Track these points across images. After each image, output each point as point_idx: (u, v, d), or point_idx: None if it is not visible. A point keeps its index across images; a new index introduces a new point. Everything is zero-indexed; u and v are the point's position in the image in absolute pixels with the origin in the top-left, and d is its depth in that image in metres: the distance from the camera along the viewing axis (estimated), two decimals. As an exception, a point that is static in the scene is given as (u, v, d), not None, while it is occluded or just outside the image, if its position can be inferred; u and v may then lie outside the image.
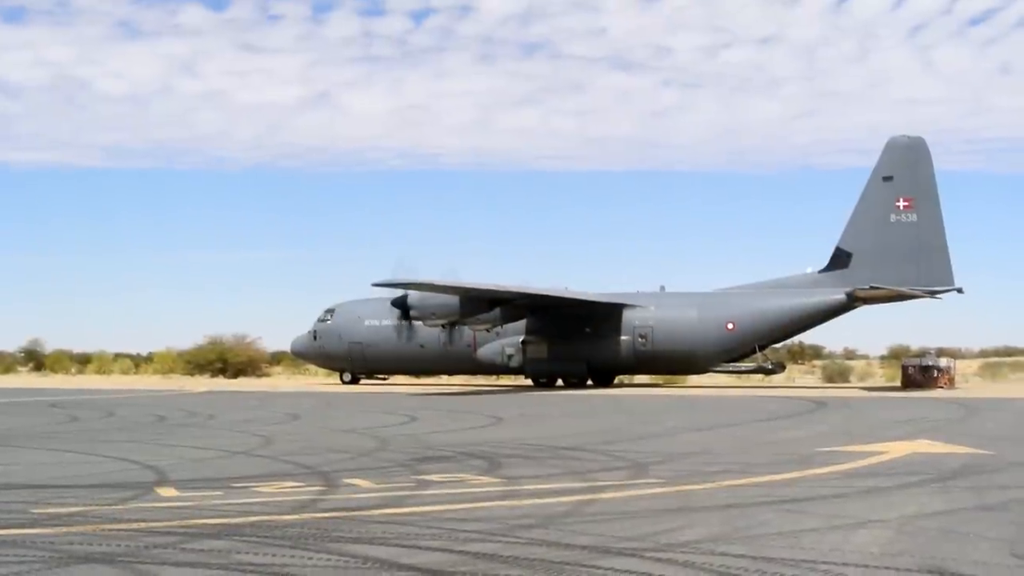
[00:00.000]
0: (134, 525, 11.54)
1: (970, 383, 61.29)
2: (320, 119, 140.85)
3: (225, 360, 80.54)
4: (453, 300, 54.87)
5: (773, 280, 58.87)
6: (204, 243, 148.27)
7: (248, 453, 20.30)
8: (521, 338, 57.71)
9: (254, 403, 40.76)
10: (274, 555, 9.87)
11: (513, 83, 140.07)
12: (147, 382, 72.17)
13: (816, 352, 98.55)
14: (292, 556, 9.82)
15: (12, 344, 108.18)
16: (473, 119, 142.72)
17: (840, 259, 55.69)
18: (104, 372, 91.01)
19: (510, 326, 57.20)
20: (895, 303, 56.14)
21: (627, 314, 57.16)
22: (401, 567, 9.40)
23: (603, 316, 57.26)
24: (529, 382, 58.87)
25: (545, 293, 56.58)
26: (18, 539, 10.76)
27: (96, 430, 26.84)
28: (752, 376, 59.84)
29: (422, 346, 59.47)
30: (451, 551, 10.08)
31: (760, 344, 57.07)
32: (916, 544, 10.34)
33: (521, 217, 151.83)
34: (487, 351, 58.48)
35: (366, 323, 60.99)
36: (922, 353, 58.29)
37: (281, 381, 67.94)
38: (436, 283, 53.68)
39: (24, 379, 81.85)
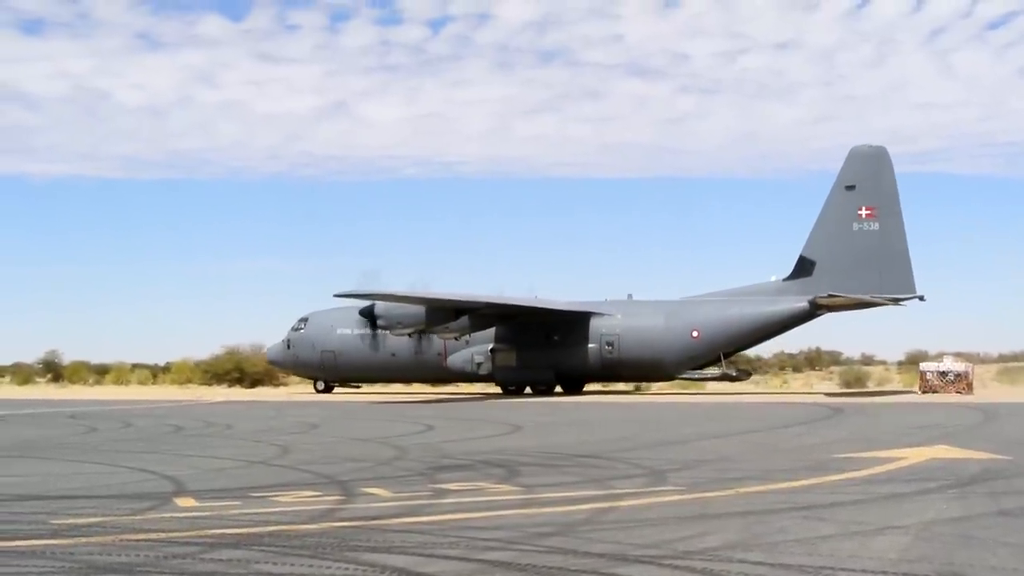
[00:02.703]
0: (153, 535, 11.58)
1: (988, 388, 61.06)
2: (338, 128, 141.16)
3: (242, 370, 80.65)
4: (419, 310, 55.82)
5: (739, 288, 59.37)
6: (222, 253, 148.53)
7: (266, 463, 20.34)
8: (490, 346, 58.47)
9: (271, 413, 40.82)
10: (293, 564, 9.90)
11: (530, 90, 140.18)
12: (165, 392, 72.34)
13: (834, 358, 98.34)
14: (311, 565, 9.84)
15: (31, 355, 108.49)
16: (490, 127, 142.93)
17: (804, 267, 56.15)
18: (122, 382, 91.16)
19: (480, 334, 58.04)
20: (860, 310, 56.62)
21: (594, 322, 57.86)
22: (419, 576, 9.42)
23: (571, 324, 58.06)
24: (498, 390, 59.76)
25: (510, 302, 57.84)
26: (37, 550, 10.80)
27: (114, 440, 26.93)
28: (771, 382, 59.99)
29: (393, 355, 60.42)
30: (469, 559, 10.09)
31: (725, 352, 57.47)
32: (934, 550, 10.32)
33: (538, 224, 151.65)
34: (457, 359, 59.27)
35: (338, 332, 61.84)
36: (940, 358, 58.12)
37: (298, 390, 68.01)
38: (398, 293, 54.81)
39: (42, 390, 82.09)
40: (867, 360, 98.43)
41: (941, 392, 52.81)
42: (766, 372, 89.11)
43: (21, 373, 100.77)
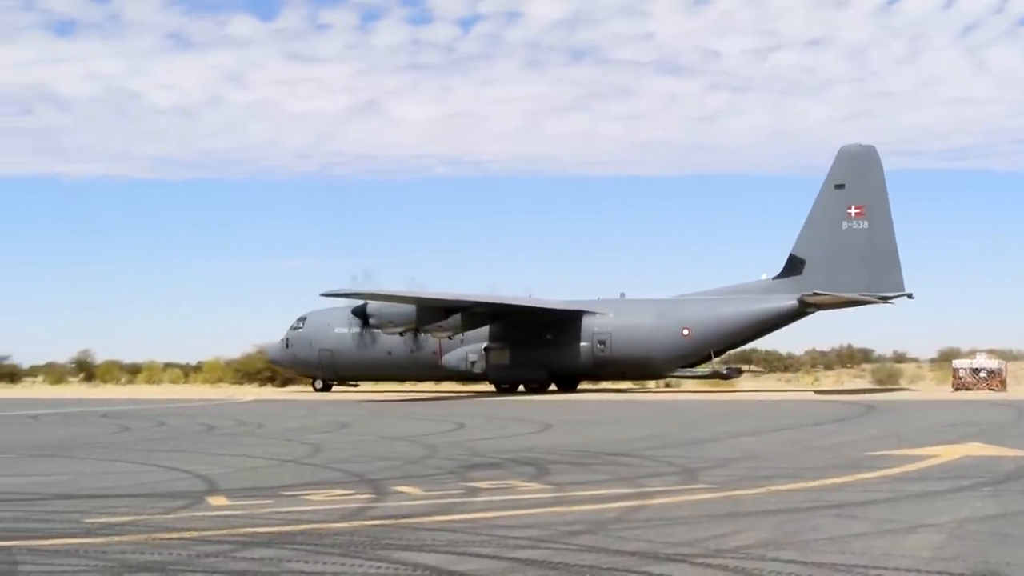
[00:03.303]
0: (186, 534, 11.62)
1: (1022, 385, 60.72)
2: (368, 127, 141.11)
3: (273, 369, 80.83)
4: (410, 309, 56.80)
5: (729, 287, 59.91)
6: (253, 252, 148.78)
7: (297, 461, 20.40)
8: (484, 345, 59.18)
9: (303, 412, 40.93)
10: (325, 563, 9.92)
11: (561, 89, 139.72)
12: (196, 391, 72.63)
13: (866, 355, 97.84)
14: (343, 564, 9.86)
15: (63, 355, 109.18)
16: (520, 125, 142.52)
17: (794, 266, 56.73)
18: (154, 382, 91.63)
19: (475, 333, 58.82)
20: (850, 307, 57.17)
21: (586, 321, 58.57)
22: (451, 574, 9.42)
23: (563, 323, 58.71)
24: (492, 388, 60.56)
25: (500, 301, 58.61)
26: (71, 548, 10.86)
27: (147, 439, 27.05)
28: (803, 379, 60.03)
29: (390, 353, 61.41)
30: (501, 558, 10.09)
31: (715, 350, 57.97)
32: (968, 548, 10.26)
33: (569, 223, 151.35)
34: (452, 358, 60.24)
35: (335, 331, 62.75)
36: (973, 355, 57.88)
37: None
38: (385, 292, 55.64)
39: (75, 389, 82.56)
40: (899, 357, 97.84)
41: (974, 389, 52.56)
42: (797, 370, 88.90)
43: (54, 373, 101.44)
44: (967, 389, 52.83)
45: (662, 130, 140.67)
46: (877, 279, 54.15)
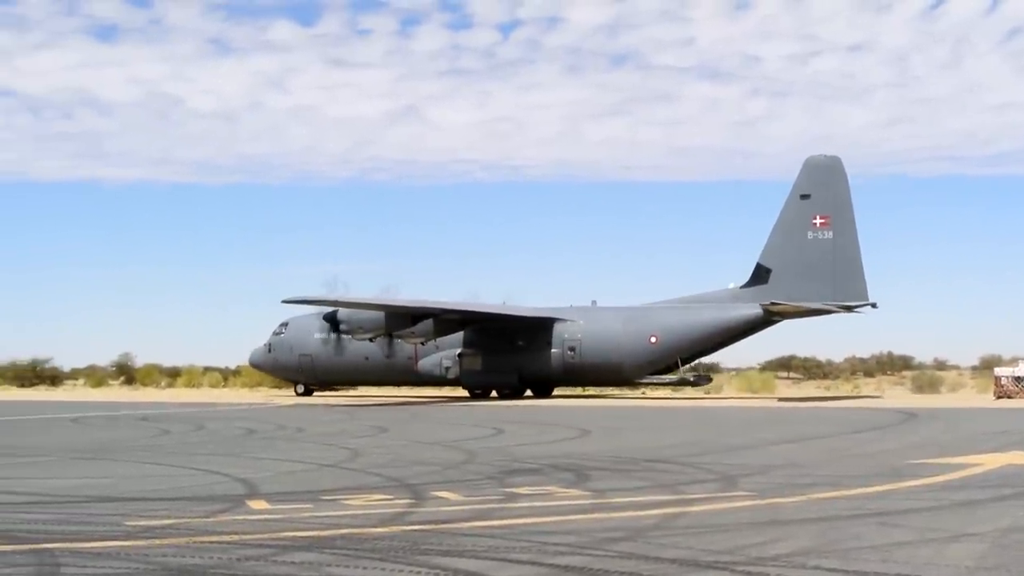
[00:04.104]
0: (226, 537, 11.67)
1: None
2: (408, 132, 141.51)
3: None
4: (378, 315, 57.63)
5: (697, 295, 60.48)
6: (292, 256, 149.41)
7: (337, 466, 20.44)
8: (458, 351, 59.89)
9: (342, 416, 41.04)
10: (364, 568, 9.93)
11: (601, 94, 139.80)
12: (236, 395, 72.94)
13: (906, 362, 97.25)
14: (382, 569, 9.87)
15: (104, 358, 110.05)
16: (560, 131, 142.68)
17: (760, 275, 57.10)
18: (194, 385, 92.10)
19: (450, 339, 59.62)
20: (815, 317, 57.44)
21: (557, 328, 59.45)
22: (490, 580, 9.42)
23: (535, 330, 59.53)
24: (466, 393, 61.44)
25: (468, 308, 59.20)
26: (112, 551, 10.92)
27: (187, 443, 27.18)
28: (843, 387, 59.85)
29: (366, 358, 62.08)
30: (540, 564, 10.07)
31: (683, 357, 58.60)
32: (1012, 558, 10.17)
33: (607, 228, 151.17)
34: (427, 363, 61.05)
35: (315, 336, 63.32)
36: (1015, 362, 57.39)
37: (370, 393, 68.31)
38: (344, 300, 56.87)
39: (116, 393, 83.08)
40: (940, 365, 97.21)
41: (1016, 397, 52.11)
42: (836, 377, 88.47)
43: (95, 376, 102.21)
44: (1009, 397, 52.36)
45: (702, 135, 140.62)
46: (841, 289, 54.56)
